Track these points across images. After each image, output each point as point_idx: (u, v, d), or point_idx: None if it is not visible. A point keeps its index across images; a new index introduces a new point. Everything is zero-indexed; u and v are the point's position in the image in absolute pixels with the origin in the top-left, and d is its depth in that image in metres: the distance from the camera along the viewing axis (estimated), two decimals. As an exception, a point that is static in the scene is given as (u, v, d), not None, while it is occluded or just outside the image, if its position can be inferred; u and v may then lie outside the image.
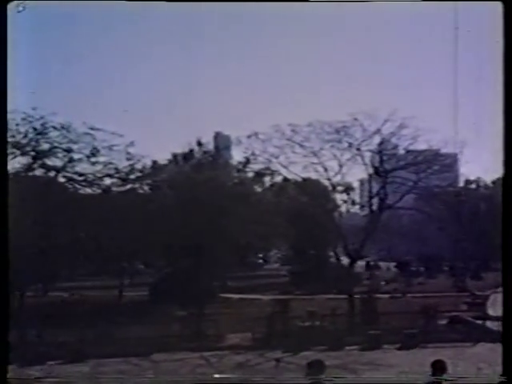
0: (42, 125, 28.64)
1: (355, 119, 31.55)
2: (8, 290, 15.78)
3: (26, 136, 28.63)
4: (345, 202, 36.75)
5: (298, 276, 43.80)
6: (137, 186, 32.81)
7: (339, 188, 34.92)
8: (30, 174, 29.35)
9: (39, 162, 29.21)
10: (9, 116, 27.59)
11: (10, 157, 28.75)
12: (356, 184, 39.07)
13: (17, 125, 28.41)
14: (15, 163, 29.09)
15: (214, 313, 31.99)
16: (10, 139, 28.46)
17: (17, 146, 28.65)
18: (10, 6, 15.49)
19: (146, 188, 33.90)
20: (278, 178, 34.91)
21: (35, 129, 28.63)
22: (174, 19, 33.39)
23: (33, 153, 28.97)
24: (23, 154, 28.94)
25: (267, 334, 29.22)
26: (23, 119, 28.22)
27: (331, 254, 40.16)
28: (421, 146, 33.11)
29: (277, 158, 32.62)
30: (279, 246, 50.84)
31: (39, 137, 28.82)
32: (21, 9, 16.20)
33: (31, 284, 30.26)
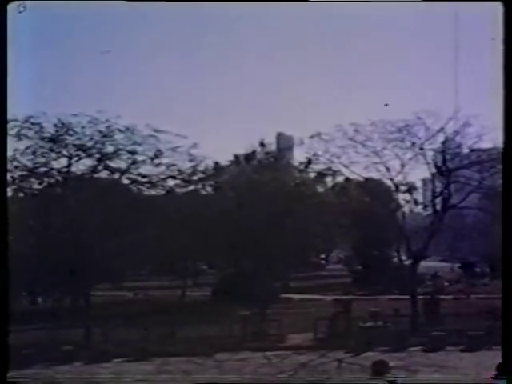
0: (107, 127, 29.14)
1: (418, 118, 31.24)
2: (8, 291, 16.01)
3: (91, 138, 29.18)
4: (407, 201, 36.31)
5: (360, 276, 43.63)
6: (199, 187, 33.11)
7: (402, 188, 34.56)
8: (96, 175, 29.88)
9: (104, 163, 29.71)
10: (74, 119, 28.35)
11: (75, 159, 29.40)
12: (419, 184, 38.66)
13: (82, 127, 28.99)
14: (81, 165, 29.71)
15: (277, 313, 32.09)
16: (75, 142, 29.13)
17: (82, 148, 29.23)
18: (11, 7, 15.74)
19: (209, 189, 34.20)
20: (340, 178, 34.76)
21: (100, 131, 29.14)
22: (223, 17, 33.43)
23: (98, 155, 29.49)
24: (89, 156, 29.49)
25: (329, 335, 29.20)
26: (89, 122, 28.77)
27: (394, 254, 39.81)
28: (486, 144, 32.56)
29: (339, 158, 32.50)
30: (341, 247, 50.67)
31: (104, 139, 29.32)
32: (22, 9, 16.45)
33: (97, 283, 30.81)
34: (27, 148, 28.52)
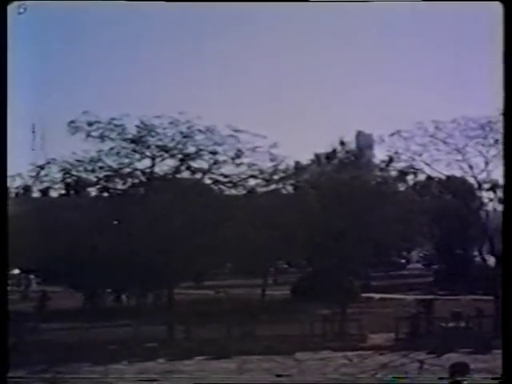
0: (189, 128, 29.51)
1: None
2: (7, 291, 16.16)
3: (173, 139, 29.61)
4: (491, 200, 35.61)
5: (441, 276, 43.05)
6: (280, 186, 33.22)
7: (485, 186, 33.90)
8: (178, 176, 30.30)
9: (186, 164, 30.10)
10: (157, 121, 28.80)
11: (158, 159, 29.89)
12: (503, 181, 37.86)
13: (164, 129, 29.43)
14: (163, 166, 30.17)
15: (357, 312, 31.99)
16: (158, 142, 29.61)
17: (165, 149, 29.68)
18: (11, 7, 15.93)
19: (289, 188, 34.28)
20: (422, 177, 34.29)
21: (182, 132, 29.54)
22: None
23: (180, 155, 29.90)
24: (171, 156, 29.93)
25: (411, 335, 28.93)
26: (170, 123, 29.19)
27: (476, 253, 39.09)
28: None
29: (420, 155, 32.08)
30: (422, 246, 50.06)
31: (185, 140, 29.70)
32: (22, 10, 16.64)
33: (180, 282, 31.30)
34: (111, 149, 29.15)
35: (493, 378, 20.80)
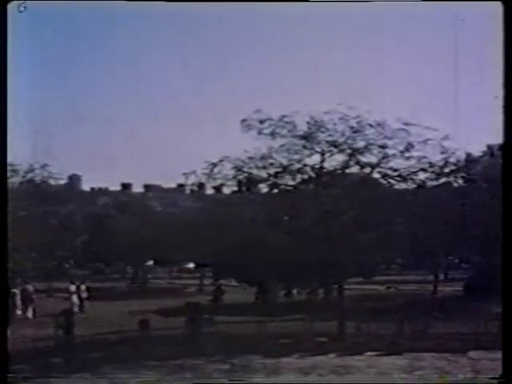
0: (358, 123, 29.46)
1: None
2: (8, 291, 16.15)
3: (343, 134, 29.66)
4: None
5: None
6: (451, 179, 32.45)
7: None
8: (347, 170, 30.32)
9: (355, 159, 30.07)
10: (326, 117, 28.97)
11: (327, 155, 30.04)
12: None
13: (334, 124, 29.53)
14: (332, 161, 30.28)
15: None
16: (327, 138, 29.75)
17: (334, 144, 29.80)
18: (11, 6, 15.91)
19: (460, 181, 33.40)
20: None
21: (351, 127, 29.53)
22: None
23: (349, 150, 29.91)
24: (340, 151, 29.98)
25: None
26: (340, 118, 29.26)
27: None
28: None
29: None
30: None
31: (355, 135, 29.66)
32: (22, 9, 16.59)
33: (349, 277, 31.32)
34: (282, 146, 29.61)
35: (492, 378, 19.75)
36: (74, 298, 37.74)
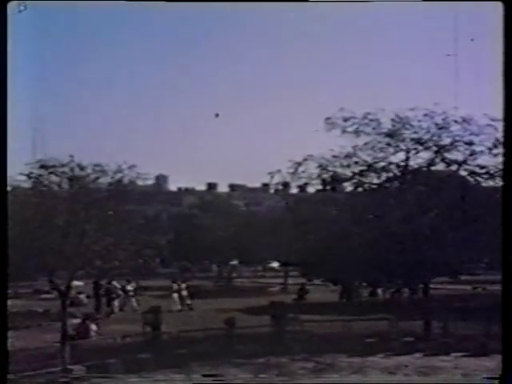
0: (444, 119, 29.02)
1: None
2: (6, 291, 15.92)
3: (428, 131, 29.26)
4: None
5: None
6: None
7: None
8: (432, 168, 29.89)
9: (441, 156, 29.62)
10: (411, 113, 28.64)
11: (412, 152, 29.65)
12: None
13: (419, 121, 29.18)
14: (418, 158, 29.89)
15: None
16: (412, 135, 29.39)
17: (419, 141, 29.42)
18: (11, 6, 15.72)
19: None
20: None
21: (437, 124, 29.11)
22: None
23: (435, 147, 29.48)
24: (425, 148, 29.59)
25: None
26: (425, 115, 28.88)
27: None
28: None
29: None
30: None
31: (441, 131, 29.22)
32: (22, 8, 16.37)
33: (434, 276, 30.86)
34: (366, 144, 29.41)
35: (491, 378, 18.92)
36: (175, 296, 38.57)
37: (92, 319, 28.06)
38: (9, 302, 45.14)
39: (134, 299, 37.03)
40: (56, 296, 28.67)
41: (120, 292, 38.20)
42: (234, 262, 65.75)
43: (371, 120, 29.14)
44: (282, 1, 20.54)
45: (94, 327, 27.16)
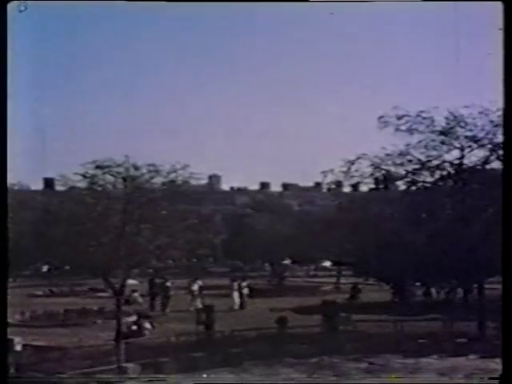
0: (499, 117, 28.58)
1: None
2: (6, 290, 15.69)
3: (482, 129, 28.89)
4: None
5: None
6: None
7: None
8: (487, 166, 29.49)
9: (496, 154, 29.20)
10: (465, 111, 28.23)
11: (467, 150, 29.30)
12: None
13: (474, 119, 28.83)
14: (472, 156, 29.53)
15: None
16: (467, 133, 29.06)
17: (474, 139, 29.07)
18: (11, 6, 15.53)
19: None
20: None
21: (492, 121, 28.71)
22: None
23: (489, 145, 29.08)
24: (480, 146, 29.21)
25: None
26: (480, 113, 28.51)
27: None
28: None
29: None
30: None
31: (496, 129, 28.80)
32: (22, 8, 16.16)
33: (489, 276, 30.43)
34: (419, 142, 29.15)
35: (491, 378, 18.29)
36: (235, 295, 38.74)
37: (146, 317, 28.36)
38: (64, 300, 46.40)
39: (198, 298, 37.13)
40: (110, 294, 29.03)
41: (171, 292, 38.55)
42: (287, 261, 65.82)
43: (425, 118, 28.86)
44: (283, 1, 20.46)
45: (148, 325, 27.45)
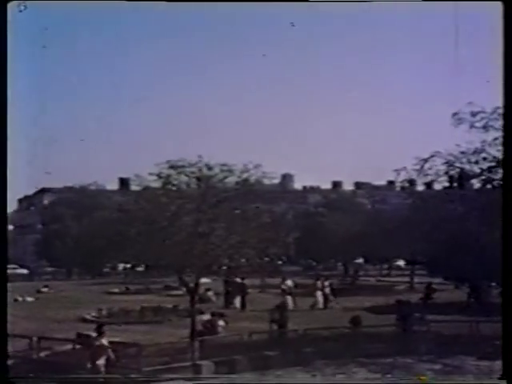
0: None
1: None
2: (6, 290, 15.30)
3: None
4: None
5: None
6: None
7: None
8: None
9: None
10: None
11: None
12: None
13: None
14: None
15: None
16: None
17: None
18: (11, 6, 15.23)
19: None
20: None
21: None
22: None
23: None
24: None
25: None
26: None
27: None
28: None
29: None
30: None
31: None
32: (22, 8, 15.81)
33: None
34: (495, 139, 28.60)
35: (491, 378, 18.05)
36: (319, 294, 38.80)
37: (220, 316, 28.62)
38: (140, 297, 47.21)
39: (289, 297, 37.18)
40: (184, 292, 29.41)
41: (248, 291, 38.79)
42: (360, 261, 65.42)
43: (501, 114, 28.32)
44: (283, 1, 20.26)
45: (221, 323, 27.70)
